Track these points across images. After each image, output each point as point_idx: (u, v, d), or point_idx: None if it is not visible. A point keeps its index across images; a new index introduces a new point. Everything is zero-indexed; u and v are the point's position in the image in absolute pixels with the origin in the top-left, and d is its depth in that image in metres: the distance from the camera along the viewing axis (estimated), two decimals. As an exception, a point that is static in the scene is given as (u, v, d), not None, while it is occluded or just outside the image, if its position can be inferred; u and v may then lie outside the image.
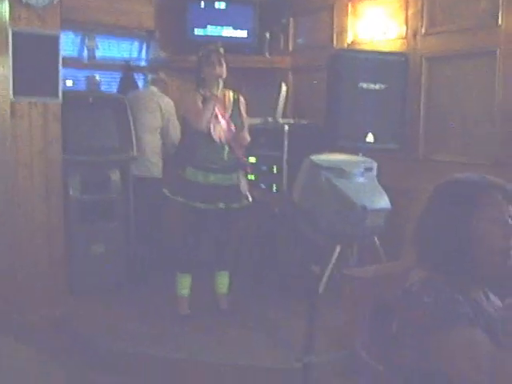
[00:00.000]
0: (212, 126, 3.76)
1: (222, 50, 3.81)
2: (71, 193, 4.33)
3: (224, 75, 3.78)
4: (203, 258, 4.05)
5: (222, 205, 3.81)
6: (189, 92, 3.96)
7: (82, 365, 3.56)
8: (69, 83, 5.08)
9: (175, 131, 4.76)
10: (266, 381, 3.34)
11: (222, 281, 4.08)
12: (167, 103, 4.80)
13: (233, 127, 3.84)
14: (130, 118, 4.57)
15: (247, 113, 4.02)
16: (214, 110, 3.76)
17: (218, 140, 3.77)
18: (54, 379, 3.42)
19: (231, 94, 3.95)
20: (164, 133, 4.79)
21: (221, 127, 3.79)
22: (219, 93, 3.79)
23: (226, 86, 3.86)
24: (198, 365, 3.45)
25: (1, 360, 3.64)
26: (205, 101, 3.79)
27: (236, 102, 3.95)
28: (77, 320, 3.98)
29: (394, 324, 1.70)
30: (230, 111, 3.90)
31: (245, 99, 4.01)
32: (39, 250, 3.99)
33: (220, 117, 3.80)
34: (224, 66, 3.78)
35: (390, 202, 2.77)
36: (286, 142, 4.39)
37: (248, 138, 3.89)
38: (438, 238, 1.63)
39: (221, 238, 4.03)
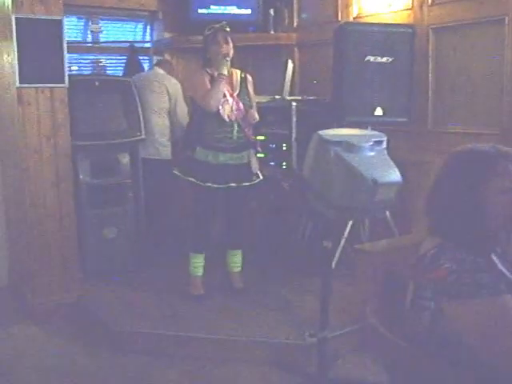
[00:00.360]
0: (221, 106, 3.74)
1: (227, 29, 3.79)
2: (81, 177, 4.34)
3: (231, 54, 3.77)
4: (216, 237, 4.06)
5: (233, 184, 3.82)
6: (196, 72, 3.94)
7: (99, 347, 3.61)
8: (74, 68, 5.07)
9: (182, 112, 4.75)
10: (282, 357, 3.37)
11: (235, 259, 4.10)
12: (174, 84, 4.79)
13: (241, 106, 3.83)
14: (137, 101, 4.56)
15: (255, 91, 4.01)
16: (223, 89, 3.75)
17: (227, 119, 3.76)
18: (70, 362, 3.47)
19: (238, 72, 3.93)
20: (171, 114, 4.78)
21: (229, 106, 3.78)
22: (227, 72, 3.77)
23: (232, 65, 3.84)
24: (213, 343, 3.48)
25: (18, 344, 3.69)
26: (213, 80, 3.77)
27: (243, 80, 3.94)
28: (91, 303, 4.01)
29: (409, 292, 1.71)
30: (237, 90, 3.88)
31: (252, 78, 3.99)
32: (51, 236, 4.01)
33: (228, 96, 3.79)
34: (230, 44, 3.77)
35: (401, 175, 2.75)
36: (294, 119, 4.37)
37: (257, 117, 3.87)
38: (450, 207, 1.66)
39: (233, 216, 4.05)
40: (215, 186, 3.79)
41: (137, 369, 3.37)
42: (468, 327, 1.52)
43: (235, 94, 3.84)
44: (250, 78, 3.98)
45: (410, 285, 1.71)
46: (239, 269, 4.13)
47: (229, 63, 3.77)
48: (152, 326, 3.64)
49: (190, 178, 3.82)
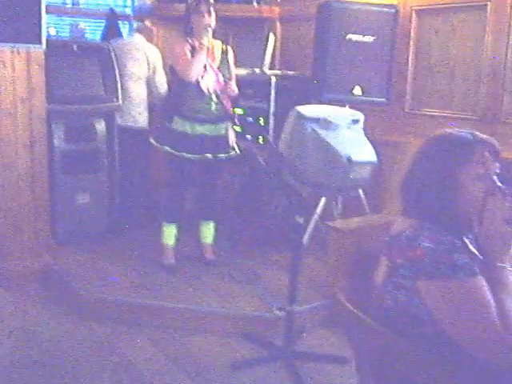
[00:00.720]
0: (200, 77, 3.72)
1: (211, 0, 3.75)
2: (55, 142, 4.29)
3: (213, 25, 3.73)
4: (189, 208, 4.07)
5: (208, 155, 3.81)
6: (177, 41, 3.89)
7: (68, 313, 3.61)
8: (52, 31, 4.98)
9: (161, 81, 4.71)
10: (250, 329, 3.40)
11: (208, 231, 4.12)
12: (153, 52, 4.72)
13: (221, 78, 3.81)
14: (115, 67, 4.49)
15: (235, 64, 3.99)
16: (203, 60, 3.72)
17: (206, 91, 3.74)
18: (37, 326, 3.46)
19: (220, 44, 3.90)
20: (150, 82, 4.73)
21: (209, 78, 3.76)
22: (209, 43, 3.74)
23: (214, 36, 3.80)
24: (182, 312, 3.50)
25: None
26: (194, 51, 3.74)
27: (224, 52, 3.91)
28: (62, 270, 3.99)
29: (380, 270, 1.73)
30: (218, 62, 3.86)
31: (233, 50, 3.97)
32: (23, 200, 3.96)
33: (208, 67, 3.76)
34: (213, 15, 3.73)
35: (376, 155, 2.77)
36: (272, 94, 4.36)
37: (236, 90, 3.86)
38: (426, 188, 1.68)
39: (207, 188, 4.05)
40: (190, 156, 3.77)
41: (104, 336, 3.37)
42: (440, 306, 1.55)
43: (215, 66, 3.82)
44: (230, 50, 3.95)
45: (381, 263, 1.74)
46: (211, 240, 4.15)
47: (210, 34, 3.73)
48: (122, 294, 3.64)
49: (166, 147, 3.80)
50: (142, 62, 4.65)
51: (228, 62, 3.91)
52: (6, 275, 3.95)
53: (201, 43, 3.70)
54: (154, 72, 4.70)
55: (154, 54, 4.72)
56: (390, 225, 1.79)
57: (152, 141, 3.90)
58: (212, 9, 3.73)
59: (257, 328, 3.41)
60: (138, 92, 4.67)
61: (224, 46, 3.92)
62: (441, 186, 1.66)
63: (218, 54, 3.87)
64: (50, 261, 4.06)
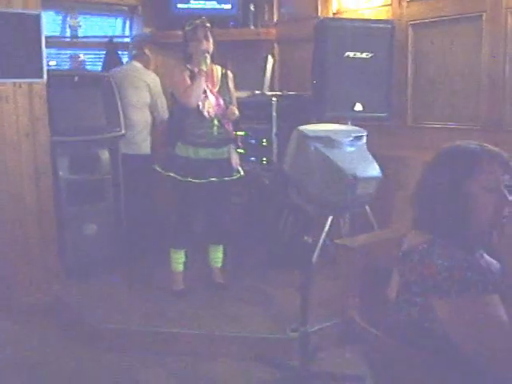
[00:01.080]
0: (201, 102, 3.74)
1: (208, 24, 3.78)
2: (60, 174, 4.30)
3: (211, 50, 3.76)
4: (197, 233, 4.06)
5: (213, 179, 3.81)
6: (176, 68, 3.92)
7: (79, 344, 3.59)
8: (52, 63, 5.02)
9: (163, 106, 4.74)
10: (264, 351, 3.38)
11: (216, 254, 4.11)
12: (154, 79, 4.77)
13: (221, 102, 3.83)
14: (117, 96, 4.53)
15: (235, 87, 4.01)
16: (203, 85, 3.74)
17: (207, 115, 3.76)
18: (50, 359, 3.45)
19: (219, 69, 3.93)
20: (152, 109, 4.77)
21: (210, 103, 3.78)
22: (207, 68, 3.76)
23: (213, 61, 3.83)
24: (196, 338, 3.48)
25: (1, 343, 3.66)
26: (193, 76, 3.77)
27: (224, 76, 3.94)
28: (72, 300, 3.99)
29: (393, 285, 1.72)
30: (218, 86, 3.88)
31: (232, 74, 3.99)
32: (30, 232, 3.99)
33: (209, 92, 3.79)
34: (211, 40, 3.77)
35: (380, 170, 2.77)
36: (274, 115, 4.38)
37: (237, 113, 3.86)
38: (436, 202, 1.67)
39: (213, 211, 4.04)
40: (196, 181, 3.77)
41: (119, 366, 3.35)
42: (454, 323, 1.54)
43: (215, 91, 3.84)
44: (230, 74, 3.98)
45: (394, 278, 1.73)
46: (220, 264, 4.14)
47: (209, 59, 3.75)
48: (132, 323, 3.63)
49: (171, 173, 3.80)
50: (143, 89, 4.69)
51: (228, 85, 3.94)
52: (16, 308, 3.95)
53: (199, 69, 3.73)
54: (156, 99, 4.74)
55: (154, 81, 4.76)
56: (402, 239, 1.79)
57: (157, 167, 3.90)
58: (209, 34, 3.76)
59: (271, 350, 3.39)
60: (140, 119, 4.71)
61: (224, 71, 3.95)
62: (451, 200, 1.65)
63: (217, 79, 3.90)
64: (60, 292, 4.06)
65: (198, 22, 3.78)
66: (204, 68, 3.73)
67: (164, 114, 4.71)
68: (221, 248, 4.11)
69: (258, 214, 4.75)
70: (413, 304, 1.62)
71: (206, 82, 3.78)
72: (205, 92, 3.76)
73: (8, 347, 3.59)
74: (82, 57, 5.06)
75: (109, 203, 4.55)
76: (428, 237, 1.66)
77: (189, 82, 3.76)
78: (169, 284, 4.02)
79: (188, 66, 3.83)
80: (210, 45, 3.76)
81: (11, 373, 3.31)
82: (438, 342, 1.59)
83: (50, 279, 4.06)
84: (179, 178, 3.78)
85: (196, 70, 3.76)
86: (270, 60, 4.97)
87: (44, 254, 4.05)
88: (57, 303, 4.01)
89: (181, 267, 4.02)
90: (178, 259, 3.99)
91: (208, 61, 3.75)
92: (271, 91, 4.84)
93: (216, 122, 3.79)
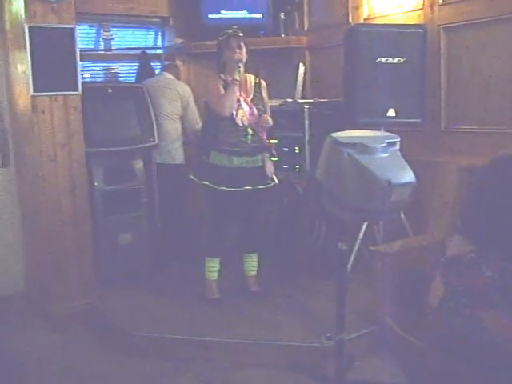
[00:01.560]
0: (234, 111, 3.77)
1: (240, 34, 3.81)
2: (96, 184, 4.36)
3: (244, 59, 3.80)
4: (232, 241, 4.07)
5: (248, 187, 3.83)
6: (210, 78, 3.96)
7: (116, 352, 3.62)
8: (87, 76, 5.11)
9: (194, 116, 4.79)
10: (299, 360, 3.36)
11: (251, 263, 4.12)
12: (185, 90, 4.82)
13: (255, 111, 3.85)
14: (150, 106, 4.58)
15: (268, 96, 4.03)
16: (236, 95, 3.77)
17: (240, 124, 3.78)
18: (88, 367, 3.49)
19: (252, 78, 3.96)
20: (184, 119, 4.81)
21: (243, 112, 3.80)
22: (241, 77, 3.79)
23: (246, 70, 3.87)
24: (229, 347, 3.48)
25: (36, 351, 3.71)
26: (227, 86, 3.80)
27: (257, 85, 3.96)
28: (108, 309, 4.03)
29: (434, 291, 1.69)
30: (251, 95, 3.91)
31: (266, 83, 4.01)
32: (67, 243, 4.04)
33: (242, 101, 3.81)
34: (244, 49, 3.80)
35: (414, 175, 2.74)
36: (306, 122, 4.37)
37: (270, 122, 3.87)
38: (487, 214, 1.62)
39: (248, 220, 4.05)
40: (230, 189, 3.79)
41: (153, 373, 3.38)
42: (509, 335, 1.50)
43: (249, 99, 3.87)
44: (263, 83, 4.01)
45: (434, 285, 1.69)
46: (255, 272, 4.14)
47: (242, 69, 3.78)
48: (167, 331, 3.65)
49: (205, 182, 3.83)
50: (176, 100, 4.74)
51: (262, 94, 3.96)
52: (54, 317, 4.01)
53: (233, 78, 3.76)
54: (187, 109, 4.78)
55: (186, 92, 4.81)
56: (444, 244, 1.75)
57: (191, 176, 3.93)
58: (242, 43, 3.79)
59: (306, 358, 3.37)
60: (173, 129, 4.75)
61: (257, 80, 3.98)
62: (505, 213, 1.60)
63: (251, 88, 3.93)
64: (96, 301, 4.10)
65: (230, 31, 3.82)
66: (237, 77, 3.76)
67: (195, 124, 4.75)
68: (255, 256, 4.11)
69: (291, 221, 4.74)
70: (458, 314, 1.58)
71: (240, 91, 3.80)
72: (238, 101, 3.79)
73: (45, 356, 3.64)
74: (115, 69, 5.13)
75: (143, 213, 4.59)
76: (474, 246, 1.61)
77: (222, 91, 3.80)
78: (203, 292, 4.04)
79: (222, 75, 3.86)
80: (243, 54, 3.79)
81: (49, 379, 3.36)
82: (485, 353, 1.55)
83: (86, 288, 4.11)
84: (213, 186, 3.80)
85: (230, 79, 3.80)
86: (302, 68, 4.98)
87: (80, 263, 4.10)
88: (92, 312, 4.06)
89: (215, 275, 4.03)
90: (213, 267, 4.01)
91: (241, 70, 3.78)
92: (303, 99, 4.84)
93: (250, 130, 3.81)
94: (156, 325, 3.73)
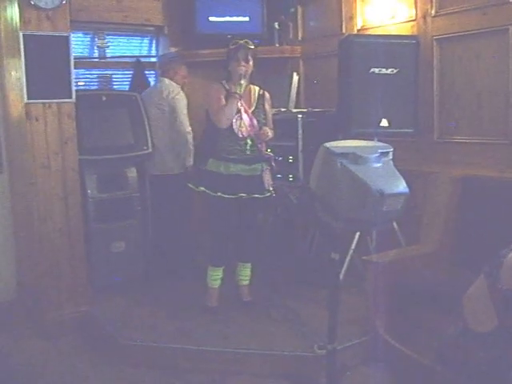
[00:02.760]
0: (234, 121, 3.77)
1: (251, 46, 3.81)
2: (89, 192, 4.36)
3: (250, 71, 3.81)
4: (233, 250, 4.06)
5: (243, 194, 3.81)
6: (214, 85, 3.93)
7: (108, 360, 3.61)
8: (81, 83, 5.11)
9: (182, 125, 4.62)
10: (291, 369, 3.36)
11: (245, 272, 4.11)
12: (173, 99, 4.67)
13: (255, 123, 3.84)
14: (144, 115, 4.58)
15: (272, 107, 4.04)
16: (236, 108, 3.77)
17: (240, 135, 3.79)
18: (80, 376, 3.47)
19: (257, 89, 3.96)
20: (174, 128, 4.70)
21: (243, 123, 3.80)
22: (241, 90, 3.78)
23: (252, 81, 3.89)
24: (222, 356, 3.47)
25: (28, 358, 3.70)
26: (228, 96, 3.80)
27: (261, 97, 3.96)
28: (101, 317, 4.01)
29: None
30: (253, 107, 3.90)
31: (270, 95, 4.00)
32: (60, 251, 4.02)
33: (243, 112, 3.81)
34: (251, 62, 3.80)
35: (407, 186, 2.76)
36: (300, 131, 4.39)
37: (271, 135, 3.86)
38: None
39: (243, 229, 4.02)
40: (225, 196, 3.78)
41: (144, 382, 3.36)
42: None
43: (250, 111, 3.86)
44: (267, 95, 4.00)
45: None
46: (248, 282, 4.13)
47: (244, 83, 3.78)
48: (160, 340, 3.64)
49: (201, 188, 3.83)
50: (165, 109, 4.66)
51: (264, 106, 3.95)
52: (47, 325, 3.99)
53: (234, 92, 3.77)
54: (174, 117, 4.66)
55: (174, 100, 4.67)
56: (427, 256, 1.74)
57: (190, 184, 3.94)
58: (250, 56, 3.79)
59: (298, 368, 3.37)
60: (166, 139, 4.69)
61: (261, 91, 3.97)
62: None
63: (254, 99, 3.92)
64: (89, 309, 4.09)
65: (241, 42, 3.81)
66: (238, 91, 3.77)
67: (184, 132, 4.62)
68: (249, 266, 4.11)
69: (285, 231, 4.74)
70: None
71: (241, 102, 3.79)
72: (239, 112, 3.79)
73: (38, 364, 3.63)
74: (109, 77, 5.13)
75: (136, 221, 4.58)
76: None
77: (223, 101, 3.80)
78: (196, 300, 4.02)
79: (225, 84, 3.87)
80: (249, 67, 3.80)
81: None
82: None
83: (80, 297, 4.09)
84: (209, 192, 3.80)
85: (233, 89, 3.80)
86: (295, 77, 5.00)
87: (73, 271, 4.08)
88: (85, 319, 4.04)
89: (218, 283, 4.02)
90: (216, 276, 4.00)
91: (243, 84, 3.78)
92: (297, 108, 4.86)
93: (249, 141, 3.82)
94: (148, 333, 3.72)
